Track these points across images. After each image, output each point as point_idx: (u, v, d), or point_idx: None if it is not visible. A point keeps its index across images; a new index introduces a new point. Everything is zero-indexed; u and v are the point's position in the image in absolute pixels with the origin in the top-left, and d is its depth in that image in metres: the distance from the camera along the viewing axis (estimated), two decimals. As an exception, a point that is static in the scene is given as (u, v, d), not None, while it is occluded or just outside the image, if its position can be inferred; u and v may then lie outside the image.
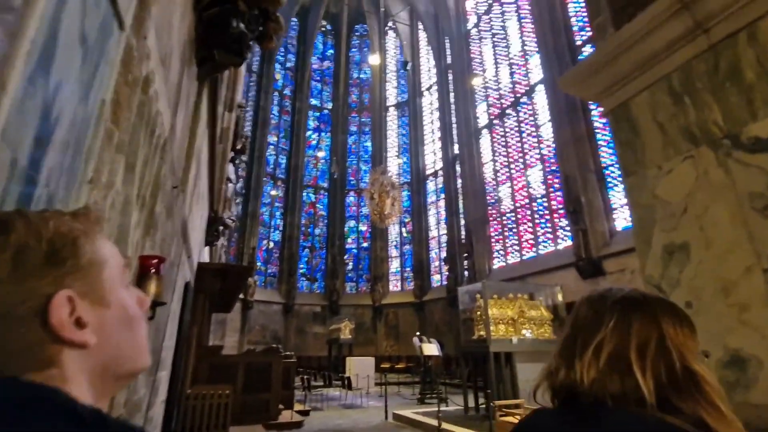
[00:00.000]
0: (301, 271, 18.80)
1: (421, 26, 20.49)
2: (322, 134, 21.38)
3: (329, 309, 17.99)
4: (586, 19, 11.82)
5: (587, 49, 11.65)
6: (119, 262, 0.47)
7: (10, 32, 0.58)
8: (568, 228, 11.39)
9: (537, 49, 13.33)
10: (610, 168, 10.78)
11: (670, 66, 1.85)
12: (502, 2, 15.74)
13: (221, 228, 7.13)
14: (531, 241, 13.11)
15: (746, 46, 1.59)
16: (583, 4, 11.92)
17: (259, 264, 17.36)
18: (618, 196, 10.54)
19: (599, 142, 11.06)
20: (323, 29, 22.29)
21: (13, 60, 0.59)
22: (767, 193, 1.43)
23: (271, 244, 18.49)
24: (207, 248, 7.92)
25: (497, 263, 14.28)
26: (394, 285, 19.28)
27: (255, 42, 3.22)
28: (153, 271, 1.14)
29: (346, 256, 19.83)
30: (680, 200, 1.74)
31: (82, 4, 0.79)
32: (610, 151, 10.80)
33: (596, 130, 11.14)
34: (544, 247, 12.64)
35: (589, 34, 11.59)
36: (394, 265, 19.61)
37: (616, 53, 2.03)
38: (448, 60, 18.41)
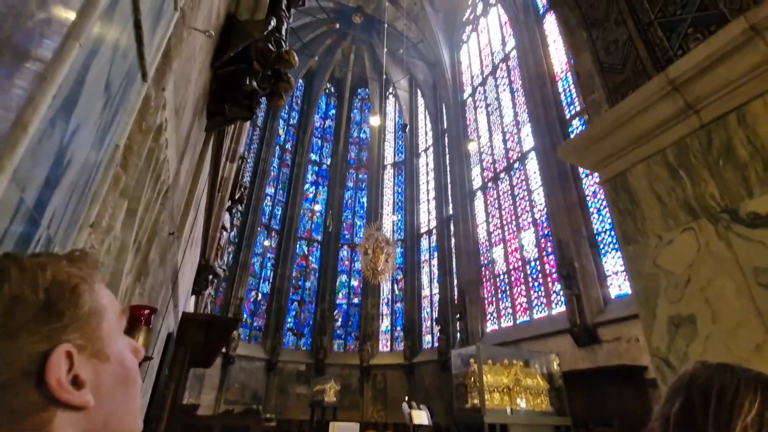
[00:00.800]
0: (288, 325, 18.12)
1: (419, 93, 21.73)
2: (320, 188, 21.73)
3: (315, 368, 17.09)
4: (574, 96, 12.62)
5: (576, 123, 12.32)
6: (117, 310, 0.43)
7: (39, 76, 0.59)
8: (561, 293, 11.25)
9: (529, 119, 14.05)
10: (602, 234, 10.91)
11: (664, 141, 1.93)
12: (496, 76, 16.86)
13: (211, 277, 6.96)
14: (524, 305, 12.89)
15: (737, 127, 1.67)
16: (572, 83, 12.81)
17: (245, 316, 16.75)
18: (611, 263, 10.56)
19: (591, 209, 11.29)
20: (327, 91, 23.55)
21: (37, 102, 0.58)
22: (772, 269, 1.43)
23: (260, 296, 17.98)
24: (193, 297, 7.67)
25: (490, 326, 13.90)
26: (384, 345, 18.55)
27: (265, 99, 3.37)
28: (143, 322, 1.07)
29: (335, 312, 19.26)
30: (683, 271, 1.72)
31: (112, 55, 0.82)
32: (602, 218, 11.02)
33: (587, 198, 11.42)
34: (538, 311, 12.41)
35: (578, 109, 12.32)
36: (385, 323, 19.02)
37: (611, 128, 2.13)
38: (445, 125, 19.30)
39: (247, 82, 2.77)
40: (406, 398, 11.04)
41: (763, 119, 1.59)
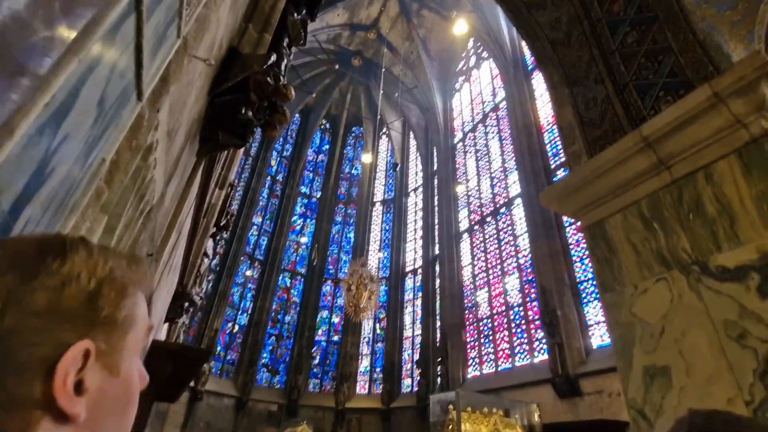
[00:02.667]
0: (263, 360, 17.40)
1: (412, 135, 22.39)
2: (308, 221, 21.66)
3: (287, 408, 16.25)
4: (559, 147, 13.14)
5: (561, 173, 12.75)
6: (146, 327, 0.41)
7: (34, 85, 0.61)
8: (544, 340, 11.15)
9: (516, 167, 14.49)
10: (585, 283, 11.00)
11: (639, 194, 2.02)
12: (486, 124, 17.54)
13: (186, 304, 6.74)
14: (507, 351, 12.68)
15: (705, 184, 1.77)
16: (557, 134, 13.38)
17: (219, 348, 16.07)
18: (593, 312, 10.57)
19: (573, 258, 11.44)
20: (323, 127, 24.11)
21: (28, 109, 0.60)
22: (740, 322, 1.46)
23: (236, 328, 17.36)
24: (166, 325, 7.37)
25: (472, 372, 13.57)
26: (362, 386, 17.84)
27: (260, 129, 3.44)
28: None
29: (314, 349, 18.61)
30: (657, 321, 1.75)
31: (110, 73, 0.85)
32: (584, 266, 11.15)
33: (571, 247, 11.59)
34: (520, 358, 12.21)
35: (562, 159, 12.80)
36: (364, 363, 18.40)
37: (590, 178, 2.22)
38: (435, 167, 19.76)
39: (243, 112, 2.84)
40: (381, 446, 10.48)
41: (728, 179, 1.68)
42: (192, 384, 13.58)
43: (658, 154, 1.93)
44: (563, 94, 2.71)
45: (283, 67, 3.20)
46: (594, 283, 10.75)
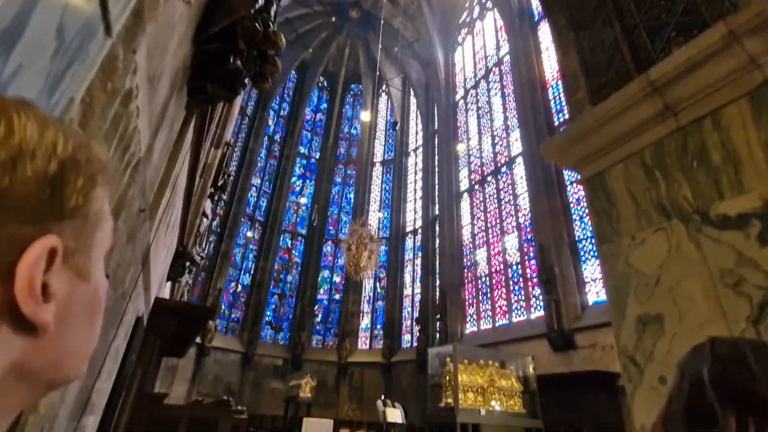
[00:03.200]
0: (267, 318, 17.94)
1: (412, 92, 21.76)
2: (307, 182, 21.57)
3: (291, 363, 16.97)
4: (563, 103, 12.79)
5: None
6: (111, 226, 0.35)
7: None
8: (541, 297, 11.41)
9: (518, 124, 14.20)
10: (584, 242, 11.10)
11: (642, 142, 1.95)
12: (488, 80, 16.99)
13: (188, 264, 6.81)
14: (504, 308, 13.03)
15: (711, 130, 1.70)
16: (562, 90, 12.98)
17: (223, 308, 16.52)
18: (590, 270, 10.75)
19: (573, 216, 11.48)
20: (320, 84, 23.39)
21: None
22: (737, 270, 1.45)
23: (239, 288, 17.76)
24: (169, 284, 7.50)
25: (470, 328, 14.02)
26: (363, 342, 18.53)
27: (250, 81, 3.30)
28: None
29: (316, 307, 19.15)
30: (653, 271, 1.74)
31: (65, -3, 0.77)
32: (584, 225, 11.20)
33: (571, 205, 11.59)
34: (517, 315, 12.56)
35: (566, 116, 12.49)
36: (365, 321, 19.00)
37: (593, 127, 2.15)
38: (436, 126, 19.37)
39: (231, 61, 2.70)
40: (382, 396, 11.04)
41: (736, 125, 1.61)
42: (199, 341, 14.09)
43: (665, 99, 1.85)
44: (568, 39, 2.56)
45: (272, 13, 3.02)
46: (592, 241, 10.84)
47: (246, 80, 3.01)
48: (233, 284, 17.52)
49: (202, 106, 3.20)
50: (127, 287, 2.70)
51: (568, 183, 11.91)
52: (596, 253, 10.61)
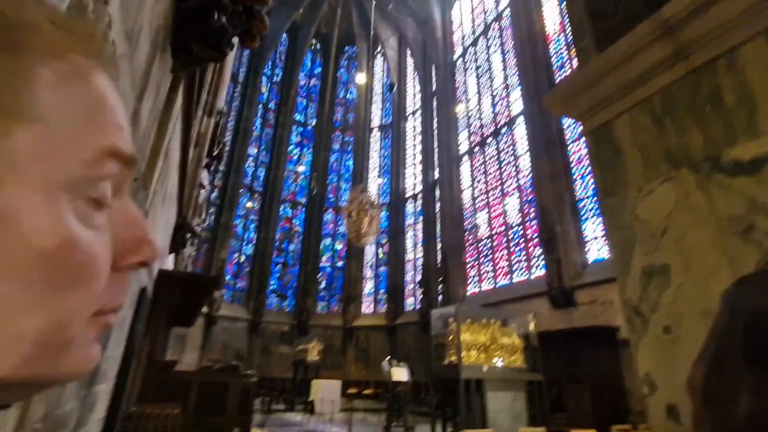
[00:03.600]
0: (271, 287, 18.25)
1: (409, 53, 21.02)
2: (304, 150, 21.29)
3: (298, 329, 17.43)
4: (566, 58, 12.37)
5: (566, 87, 12.14)
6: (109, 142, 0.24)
7: None
8: (542, 257, 11.53)
9: (519, 83, 13.80)
10: (585, 201, 11.08)
11: (651, 89, 1.85)
12: (487, 37, 16.36)
13: (189, 235, 6.82)
14: (505, 269, 13.19)
15: (725, 72, 1.61)
16: (564, 44, 12.51)
17: (227, 278, 16.76)
18: (591, 228, 10.79)
19: (574, 176, 11.39)
20: (313, 47, 22.56)
21: None
22: (747, 216, 1.41)
23: (243, 258, 17.95)
24: (172, 255, 7.55)
25: (471, 289, 14.26)
26: (367, 307, 18.94)
27: (238, 40, 3.14)
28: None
29: (319, 275, 19.43)
30: (660, 222, 1.70)
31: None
32: (585, 184, 11.13)
33: (572, 165, 11.47)
34: (518, 275, 12.73)
35: (567, 72, 12.11)
36: (368, 286, 19.33)
37: (599, 75, 2.04)
38: (434, 87, 18.86)
39: (215, 18, 2.55)
40: (388, 357, 11.39)
41: (753, 64, 1.52)
42: (206, 310, 14.40)
43: (677, 41, 1.74)
44: (574, -20, 2.40)
45: (256, -36, 2.82)
46: (593, 200, 10.82)
47: (233, 39, 2.87)
48: (236, 255, 17.69)
49: (188, 69, 3.06)
50: (126, 258, 2.69)
51: (569, 141, 11.73)
52: (597, 211, 10.63)
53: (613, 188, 1.96)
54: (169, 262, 7.03)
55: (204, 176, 7.57)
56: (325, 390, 11.33)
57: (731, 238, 1.46)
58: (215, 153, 7.48)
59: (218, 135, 7.86)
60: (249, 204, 18.49)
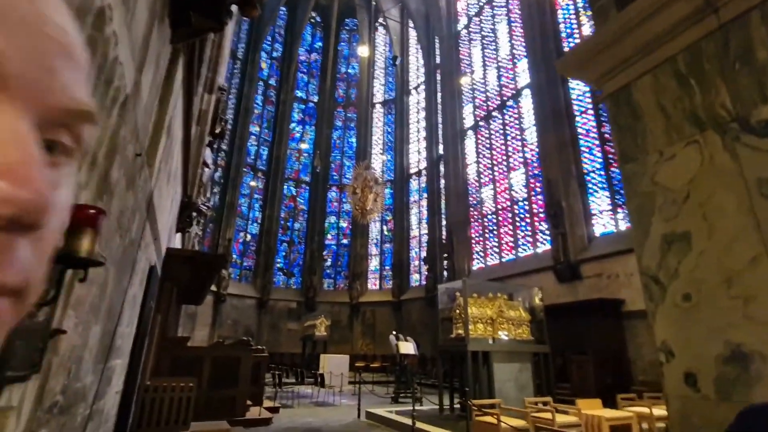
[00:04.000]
0: (278, 265, 18.43)
1: (411, 24, 20.43)
2: (307, 127, 21.05)
3: (305, 305, 17.70)
4: (575, 27, 11.95)
5: (574, 56, 11.78)
6: None
7: None
8: (547, 232, 11.48)
9: (525, 53, 13.41)
10: (591, 174, 10.93)
11: (676, 47, 1.76)
12: (493, 5, 15.80)
13: (194, 214, 6.82)
14: (511, 244, 13.18)
15: (759, 25, 1.51)
16: (572, 12, 12.07)
17: (234, 257, 16.91)
18: (597, 202, 10.69)
19: (582, 149, 11.19)
20: (312, 21, 21.97)
21: None
22: (778, 178, 1.35)
23: (248, 237, 18.06)
24: (179, 235, 7.59)
25: (477, 264, 14.31)
26: (373, 283, 19.14)
27: (237, 8, 3.02)
28: (88, 223, 0.95)
29: (325, 252, 19.57)
30: (682, 187, 1.64)
31: None
32: (592, 157, 10.96)
33: (580, 137, 11.27)
34: (524, 250, 12.73)
35: (577, 41, 11.72)
36: (374, 263, 19.47)
37: (620, 33, 1.93)
38: (437, 59, 18.40)
39: (213, -16, 2.44)
40: (394, 331, 11.57)
41: (791, 14, 1.42)
42: (214, 288, 14.61)
43: (705, -6, 1.63)
44: (592, -67, 2.26)
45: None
46: (601, 173, 10.66)
47: (232, 8, 2.76)
48: (242, 234, 17.78)
49: (188, 41, 2.96)
50: (134, 235, 2.67)
51: (577, 113, 11.48)
52: (605, 184, 10.50)
53: (633, 153, 1.88)
54: (177, 242, 7.08)
55: (207, 155, 7.51)
56: (334, 364, 11.60)
57: (760, 200, 1.40)
58: (217, 131, 7.39)
59: (220, 113, 7.75)
60: (253, 183, 18.46)
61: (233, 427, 5.24)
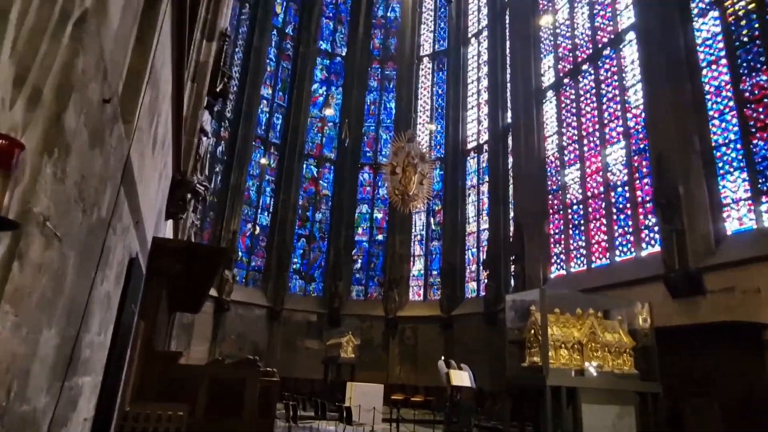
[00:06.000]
0: (294, 266, 18.75)
1: (471, -49, 20.01)
2: (333, 89, 21.25)
3: (328, 318, 17.92)
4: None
5: (702, -16, 10.98)
6: None
7: None
8: (656, 228, 11.00)
9: (630, -18, 12.81)
10: (722, 148, 10.23)
11: None
12: None
13: (189, 196, 6.91)
14: (604, 244, 12.75)
15: None
16: None
17: (240, 254, 17.35)
18: (730, 187, 10.01)
19: (709, 113, 10.50)
20: (341, -50, 22.05)
21: None
22: None
23: (258, 230, 18.48)
24: (170, 223, 7.75)
25: (555, 271, 13.98)
26: (415, 293, 19.13)
27: None
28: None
29: (354, 251, 19.74)
30: None
31: None
32: (725, 124, 10.24)
33: (708, 96, 10.57)
34: (621, 252, 12.26)
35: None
36: (417, 266, 19.46)
37: None
38: (506, -4, 17.99)
39: None
40: (443, 357, 11.46)
41: None
42: (215, 293, 15.02)
43: None
44: None
45: None
46: (738, 146, 9.91)
47: None
48: (250, 225, 18.20)
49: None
50: (104, 213, 2.61)
51: (703, 64, 10.74)
52: (742, 165, 9.78)
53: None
54: (166, 229, 7.22)
55: (206, 120, 7.60)
56: (364, 395, 11.63)
57: None
58: (219, 89, 7.47)
59: (222, 65, 7.81)
60: (264, 161, 18.82)
61: (234, 469, 5.27)
